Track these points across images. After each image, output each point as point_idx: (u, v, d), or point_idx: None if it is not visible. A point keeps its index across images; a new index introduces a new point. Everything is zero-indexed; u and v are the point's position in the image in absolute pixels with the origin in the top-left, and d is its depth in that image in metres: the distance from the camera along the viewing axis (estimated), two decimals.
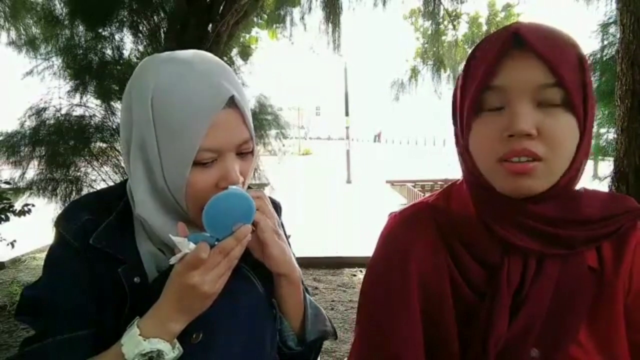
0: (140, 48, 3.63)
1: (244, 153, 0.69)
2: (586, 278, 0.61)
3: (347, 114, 14.70)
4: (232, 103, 0.65)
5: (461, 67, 0.71)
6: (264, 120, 4.08)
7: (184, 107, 0.62)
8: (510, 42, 0.57)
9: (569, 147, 0.58)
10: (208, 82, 0.64)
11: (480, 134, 0.59)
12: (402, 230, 0.71)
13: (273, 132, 4.24)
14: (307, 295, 0.80)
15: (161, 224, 0.67)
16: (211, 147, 0.63)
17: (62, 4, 3.66)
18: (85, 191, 3.45)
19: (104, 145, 3.54)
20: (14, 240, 3.51)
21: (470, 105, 0.60)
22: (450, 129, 0.68)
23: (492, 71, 0.57)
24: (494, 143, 0.58)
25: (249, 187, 0.78)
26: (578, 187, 0.66)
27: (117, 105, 3.48)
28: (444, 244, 0.67)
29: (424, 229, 0.69)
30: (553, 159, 0.57)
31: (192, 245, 0.60)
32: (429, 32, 5.90)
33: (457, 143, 0.66)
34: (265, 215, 0.69)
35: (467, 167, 0.64)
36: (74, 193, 3.44)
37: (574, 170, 0.60)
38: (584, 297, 0.60)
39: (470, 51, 0.65)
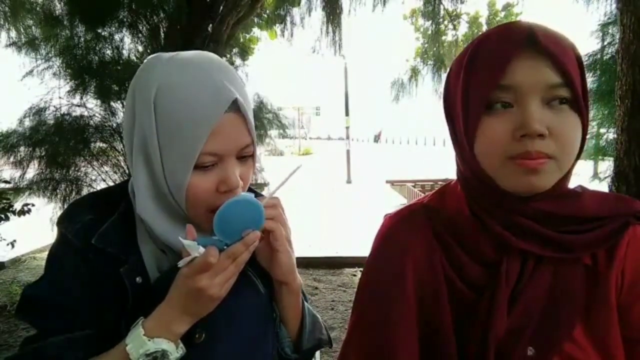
0: (140, 48, 3.63)
1: (245, 157, 0.68)
2: (580, 275, 0.61)
3: (347, 114, 14.67)
4: (235, 107, 0.64)
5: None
6: (264, 119, 4.09)
7: (186, 110, 0.62)
8: (524, 41, 0.57)
9: (576, 145, 0.59)
10: (211, 85, 0.63)
11: (489, 132, 0.59)
12: (397, 231, 0.72)
13: (274, 132, 4.24)
14: (306, 304, 0.80)
15: (162, 226, 0.67)
16: (212, 151, 0.63)
17: (62, 4, 3.66)
18: (85, 191, 3.46)
19: (104, 145, 3.55)
20: (14, 240, 3.51)
21: (479, 103, 0.59)
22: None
23: (503, 69, 0.57)
24: (505, 142, 0.58)
25: (256, 193, 0.78)
26: (575, 185, 0.66)
27: (117, 105, 3.49)
28: (438, 243, 0.67)
29: (418, 229, 0.69)
30: (562, 157, 0.58)
31: (201, 249, 0.60)
32: (429, 32, 5.89)
33: (456, 141, 0.65)
34: (280, 224, 0.68)
35: (468, 165, 0.64)
36: (73, 193, 3.45)
37: (573, 167, 0.61)
38: (578, 294, 0.61)
39: (466, 47, 0.65)
